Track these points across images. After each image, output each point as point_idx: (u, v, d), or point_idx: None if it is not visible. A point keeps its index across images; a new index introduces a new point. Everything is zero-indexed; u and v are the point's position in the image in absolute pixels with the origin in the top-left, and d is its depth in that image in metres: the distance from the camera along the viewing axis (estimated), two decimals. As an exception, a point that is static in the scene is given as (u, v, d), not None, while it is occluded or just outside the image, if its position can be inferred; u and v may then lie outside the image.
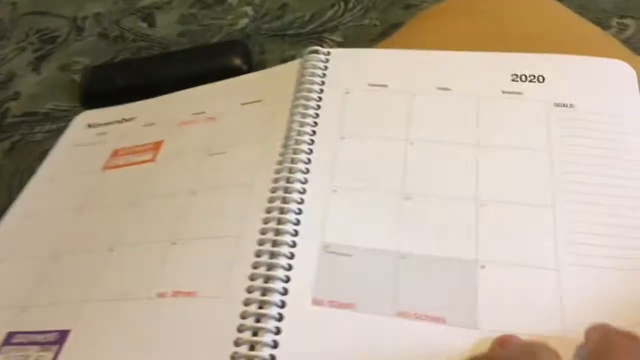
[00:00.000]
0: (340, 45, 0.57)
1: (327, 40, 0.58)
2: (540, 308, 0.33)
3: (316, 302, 0.33)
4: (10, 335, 0.36)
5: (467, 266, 0.34)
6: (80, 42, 0.64)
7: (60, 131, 0.55)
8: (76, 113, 0.55)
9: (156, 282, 0.35)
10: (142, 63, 0.59)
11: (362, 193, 0.38)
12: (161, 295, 0.35)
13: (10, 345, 0.35)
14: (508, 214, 0.36)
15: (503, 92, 0.42)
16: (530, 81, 0.42)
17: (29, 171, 0.52)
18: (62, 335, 0.34)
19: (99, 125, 0.52)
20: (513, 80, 0.43)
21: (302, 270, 0.34)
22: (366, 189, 0.38)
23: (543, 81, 0.42)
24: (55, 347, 0.34)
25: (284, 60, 0.55)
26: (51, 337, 0.34)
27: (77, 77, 0.60)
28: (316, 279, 0.34)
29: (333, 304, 0.33)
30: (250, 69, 0.54)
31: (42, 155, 0.53)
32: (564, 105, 0.41)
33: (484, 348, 0.31)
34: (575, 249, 0.34)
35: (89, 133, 0.51)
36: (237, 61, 0.55)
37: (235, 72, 0.53)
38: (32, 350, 0.34)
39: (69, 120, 0.55)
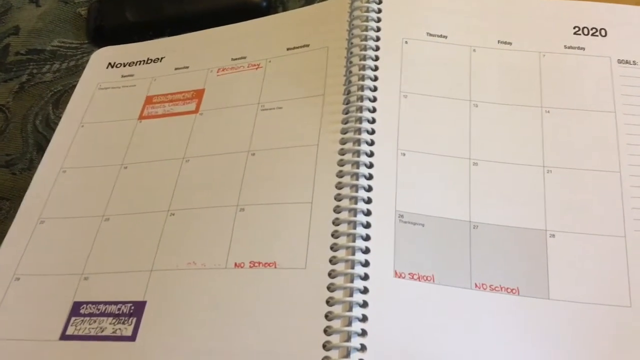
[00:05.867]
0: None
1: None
2: (608, 277, 0.34)
3: (397, 274, 0.33)
4: (77, 305, 0.35)
5: (537, 236, 0.35)
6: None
7: (70, 70, 0.51)
8: (86, 51, 0.51)
9: (230, 252, 0.34)
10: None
11: (430, 157, 0.37)
12: (238, 265, 0.34)
13: (80, 316, 0.34)
14: (574, 181, 0.36)
15: (565, 47, 0.41)
16: (592, 35, 0.41)
17: (43, 114, 0.48)
18: (138, 306, 0.34)
19: (122, 65, 0.48)
20: (575, 33, 0.41)
21: (380, 241, 0.34)
22: (433, 152, 0.37)
23: (605, 35, 0.41)
24: (132, 319, 0.33)
25: (306, -3, 0.51)
26: (125, 308, 0.34)
27: (82, 11, 0.54)
28: (395, 251, 0.34)
29: (413, 277, 0.33)
30: (270, 6, 0.50)
31: (55, 97, 0.49)
32: (627, 62, 0.40)
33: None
34: (641, 214, 0.35)
35: (112, 74, 0.47)
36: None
37: (254, 8, 0.49)
38: (107, 322, 0.33)
39: (79, 59, 0.51)
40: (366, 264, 0.33)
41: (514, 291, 0.33)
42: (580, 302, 0.33)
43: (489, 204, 0.36)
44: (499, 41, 0.41)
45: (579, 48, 0.41)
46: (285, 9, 0.49)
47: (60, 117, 0.46)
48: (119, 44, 0.50)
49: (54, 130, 0.46)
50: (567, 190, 0.36)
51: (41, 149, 0.46)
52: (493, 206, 0.36)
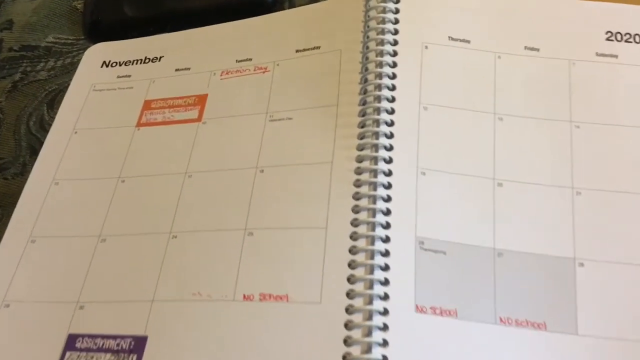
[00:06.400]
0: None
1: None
2: (641, 310, 0.31)
3: (419, 309, 0.31)
4: (73, 337, 0.32)
5: (564, 264, 0.32)
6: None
7: (66, 68, 0.48)
8: (82, 48, 0.48)
9: (238, 281, 0.32)
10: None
11: (452, 177, 0.34)
12: (247, 298, 0.31)
13: (76, 350, 0.32)
14: (607, 204, 0.34)
15: (597, 54, 0.38)
16: (626, 41, 0.38)
17: (37, 115, 0.45)
18: (139, 342, 0.31)
19: (118, 64, 0.45)
20: (608, 39, 0.38)
21: (400, 272, 0.31)
22: (456, 172, 0.34)
23: (640, 42, 0.38)
24: (133, 357, 0.31)
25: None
26: (125, 343, 0.31)
27: (78, 5, 0.51)
28: (416, 282, 0.31)
29: (435, 311, 0.31)
30: (275, 3, 0.47)
31: (50, 97, 0.46)
32: (662, 73, 0.37)
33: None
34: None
35: (108, 74, 0.44)
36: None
37: (258, 4, 0.46)
38: (105, 359, 0.31)
39: (75, 56, 0.48)
40: (385, 297, 0.31)
41: (540, 326, 0.31)
42: (611, 338, 0.31)
43: (514, 229, 0.33)
44: (525, 47, 0.38)
45: (611, 55, 0.38)
46: (291, 6, 0.46)
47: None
48: (117, 40, 0.47)
49: (48, 132, 0.43)
50: (598, 214, 0.33)
51: (35, 152, 0.43)
52: (518, 232, 0.33)
